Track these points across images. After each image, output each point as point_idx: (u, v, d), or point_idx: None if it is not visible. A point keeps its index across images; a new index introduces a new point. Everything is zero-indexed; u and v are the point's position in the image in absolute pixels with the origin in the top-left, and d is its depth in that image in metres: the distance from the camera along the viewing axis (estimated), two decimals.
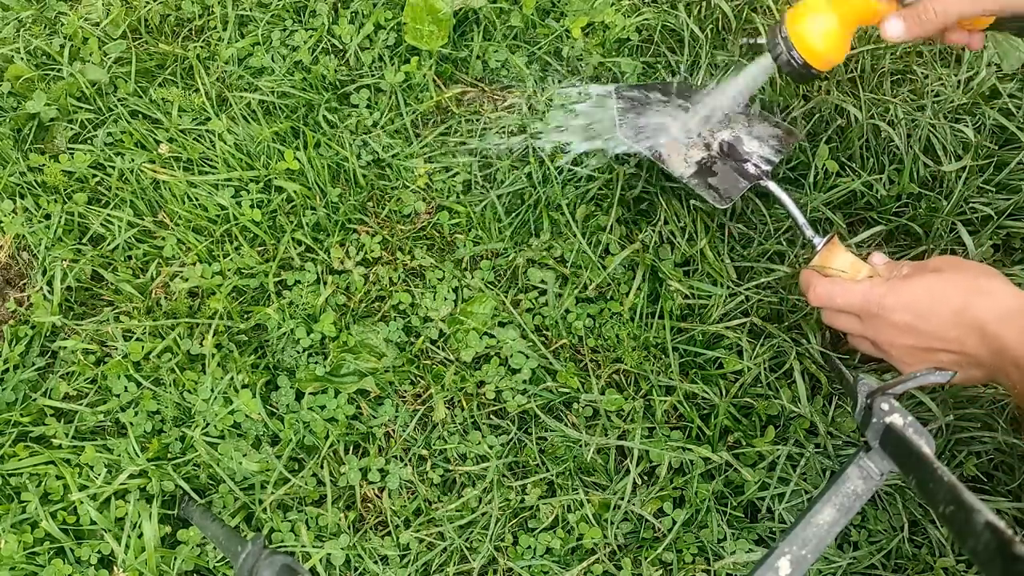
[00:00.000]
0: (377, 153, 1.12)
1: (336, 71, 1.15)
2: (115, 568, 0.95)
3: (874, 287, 0.81)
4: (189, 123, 1.14)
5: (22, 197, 1.11)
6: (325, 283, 1.06)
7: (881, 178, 1.08)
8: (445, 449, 0.99)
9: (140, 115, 1.15)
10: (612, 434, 0.98)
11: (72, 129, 1.15)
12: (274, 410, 1.01)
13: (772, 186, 0.96)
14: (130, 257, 1.09)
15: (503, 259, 1.07)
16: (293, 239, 1.07)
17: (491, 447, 0.99)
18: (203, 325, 1.03)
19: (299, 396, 1.01)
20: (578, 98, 1.13)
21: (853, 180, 1.07)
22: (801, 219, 0.92)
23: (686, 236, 1.05)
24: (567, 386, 1.00)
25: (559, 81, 1.18)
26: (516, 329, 1.03)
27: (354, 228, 1.10)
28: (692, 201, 1.05)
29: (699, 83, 1.13)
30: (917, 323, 0.78)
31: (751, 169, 0.97)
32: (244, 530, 0.97)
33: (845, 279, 0.87)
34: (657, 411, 0.99)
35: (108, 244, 1.09)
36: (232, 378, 1.00)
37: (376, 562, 0.95)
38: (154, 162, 1.12)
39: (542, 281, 1.05)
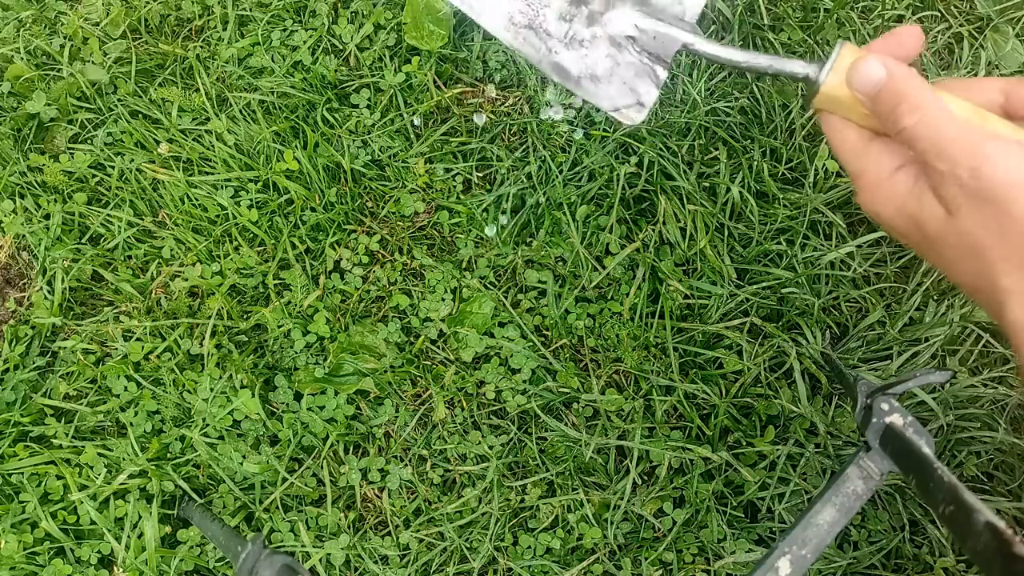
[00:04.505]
0: (376, 153, 1.12)
1: (336, 71, 1.15)
2: (115, 568, 0.95)
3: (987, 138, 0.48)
4: (189, 123, 1.14)
5: (22, 197, 1.11)
6: (323, 284, 1.06)
7: None
8: (445, 449, 0.99)
9: (140, 115, 1.15)
10: (612, 434, 0.98)
11: (72, 129, 1.14)
12: (274, 410, 1.01)
13: (703, 46, 0.59)
14: (130, 257, 1.09)
15: (502, 259, 1.07)
16: (291, 239, 1.07)
17: (491, 447, 0.99)
18: (203, 325, 1.03)
19: (298, 396, 1.01)
20: None
21: None
22: (772, 62, 0.57)
23: (686, 236, 1.05)
24: (567, 386, 1.00)
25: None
26: (516, 329, 1.03)
27: (353, 228, 1.10)
28: (691, 205, 1.05)
29: None
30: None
31: (663, 45, 0.60)
32: (244, 530, 0.97)
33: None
34: (657, 411, 0.99)
35: (108, 244, 1.09)
36: (232, 378, 1.00)
37: (376, 562, 0.95)
38: (154, 162, 1.12)
39: (540, 281, 1.05)
